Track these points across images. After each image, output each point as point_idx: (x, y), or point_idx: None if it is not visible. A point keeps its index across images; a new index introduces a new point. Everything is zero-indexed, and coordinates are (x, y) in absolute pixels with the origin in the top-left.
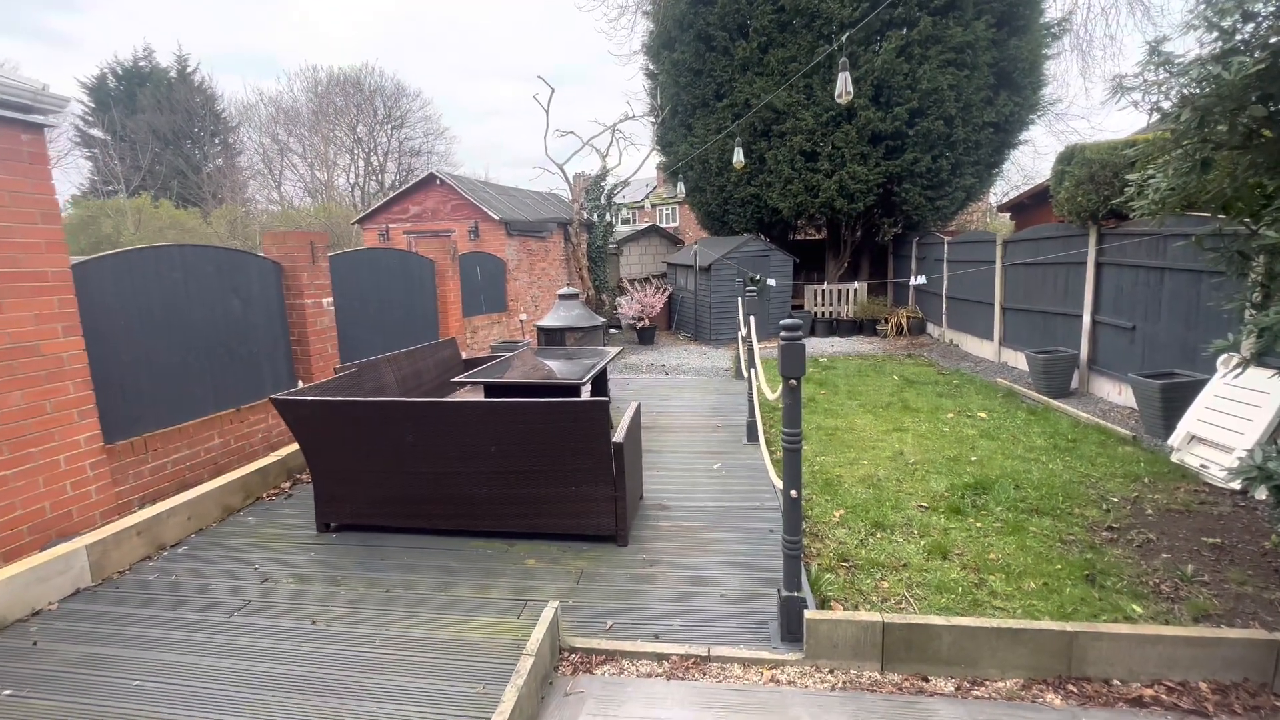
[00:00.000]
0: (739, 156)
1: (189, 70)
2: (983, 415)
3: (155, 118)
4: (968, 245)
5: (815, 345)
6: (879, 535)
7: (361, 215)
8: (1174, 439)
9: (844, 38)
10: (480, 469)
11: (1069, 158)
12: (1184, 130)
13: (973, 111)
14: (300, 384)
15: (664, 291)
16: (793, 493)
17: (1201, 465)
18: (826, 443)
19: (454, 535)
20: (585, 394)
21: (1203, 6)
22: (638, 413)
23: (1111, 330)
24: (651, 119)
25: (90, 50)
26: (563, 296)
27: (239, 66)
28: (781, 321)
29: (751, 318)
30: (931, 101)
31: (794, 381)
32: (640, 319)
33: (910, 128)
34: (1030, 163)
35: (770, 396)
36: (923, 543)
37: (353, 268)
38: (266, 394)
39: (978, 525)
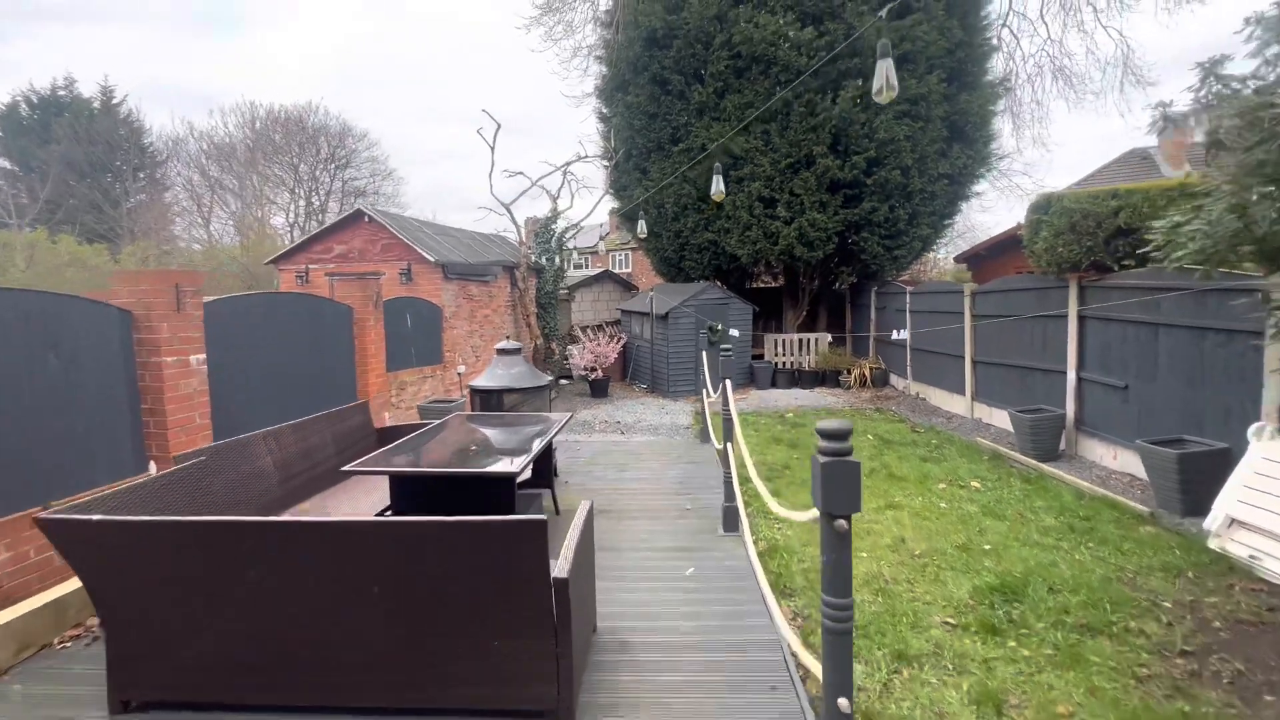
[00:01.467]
0: (718, 186)
1: (114, 101)
2: (976, 485)
3: (72, 149)
4: (932, 296)
5: (778, 397)
6: (905, 673)
7: (277, 255)
8: (1211, 522)
9: (884, 11)
10: (362, 617)
11: (1045, 206)
12: (1275, 160)
13: (928, 163)
14: (153, 466)
15: (618, 340)
16: (842, 703)
17: (1251, 556)
18: (813, 527)
19: (319, 714)
20: (528, 473)
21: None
22: (589, 522)
23: (1101, 389)
24: (604, 162)
25: (19, 79)
26: (502, 351)
27: (180, 103)
28: (819, 426)
29: (727, 381)
30: (889, 151)
31: (843, 522)
32: (593, 370)
33: (868, 176)
34: (976, 216)
35: (780, 511)
36: (965, 686)
37: (241, 316)
38: (99, 483)
39: (1024, 653)
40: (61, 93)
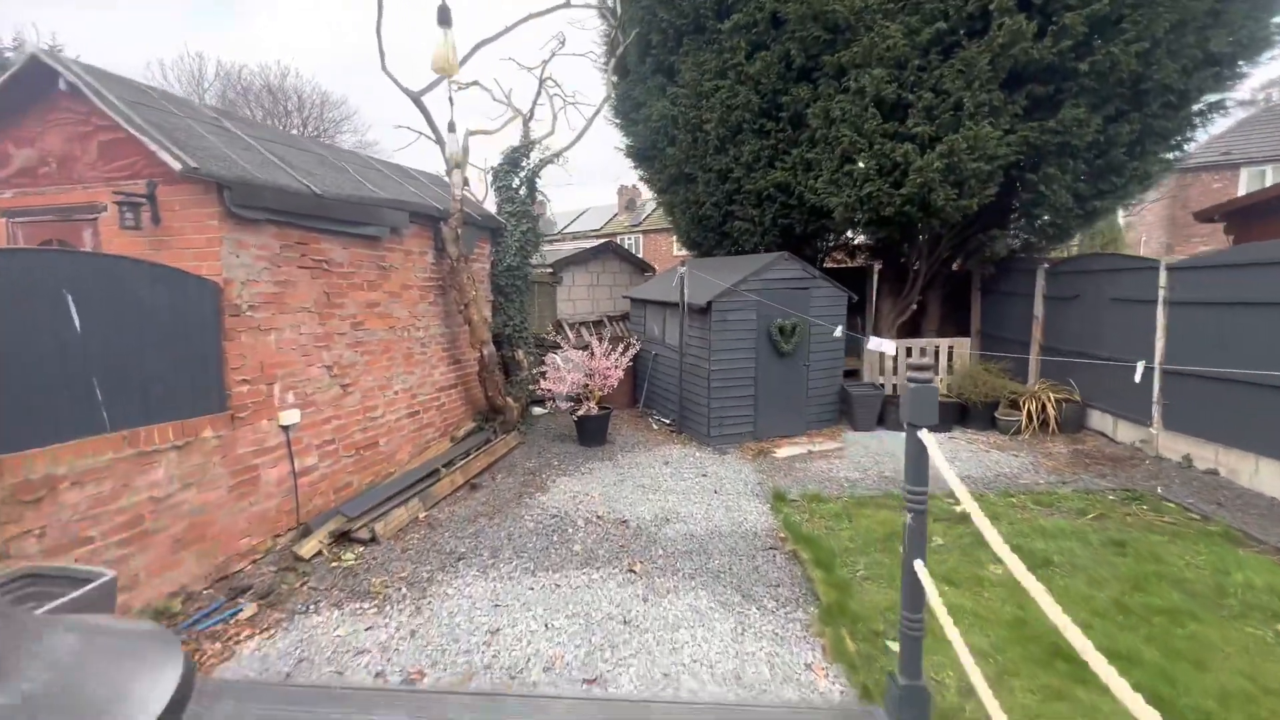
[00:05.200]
0: (446, 44)
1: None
2: None
3: None
4: (1242, 274)
5: (898, 450)
6: None
7: None
8: None
9: None
10: None
11: None
12: None
13: (1187, 34)
14: None
15: (627, 349)
16: None
17: None
18: None
19: None
20: None
21: None
22: None
23: None
24: (607, 72)
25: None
26: None
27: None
28: None
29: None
30: (1128, 8)
31: None
32: (584, 398)
33: (1079, 58)
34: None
35: None
36: None
37: None
38: None
39: None
40: (9, 54)
